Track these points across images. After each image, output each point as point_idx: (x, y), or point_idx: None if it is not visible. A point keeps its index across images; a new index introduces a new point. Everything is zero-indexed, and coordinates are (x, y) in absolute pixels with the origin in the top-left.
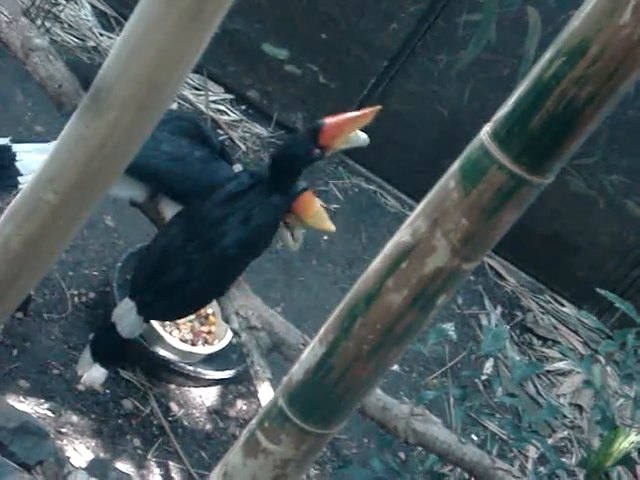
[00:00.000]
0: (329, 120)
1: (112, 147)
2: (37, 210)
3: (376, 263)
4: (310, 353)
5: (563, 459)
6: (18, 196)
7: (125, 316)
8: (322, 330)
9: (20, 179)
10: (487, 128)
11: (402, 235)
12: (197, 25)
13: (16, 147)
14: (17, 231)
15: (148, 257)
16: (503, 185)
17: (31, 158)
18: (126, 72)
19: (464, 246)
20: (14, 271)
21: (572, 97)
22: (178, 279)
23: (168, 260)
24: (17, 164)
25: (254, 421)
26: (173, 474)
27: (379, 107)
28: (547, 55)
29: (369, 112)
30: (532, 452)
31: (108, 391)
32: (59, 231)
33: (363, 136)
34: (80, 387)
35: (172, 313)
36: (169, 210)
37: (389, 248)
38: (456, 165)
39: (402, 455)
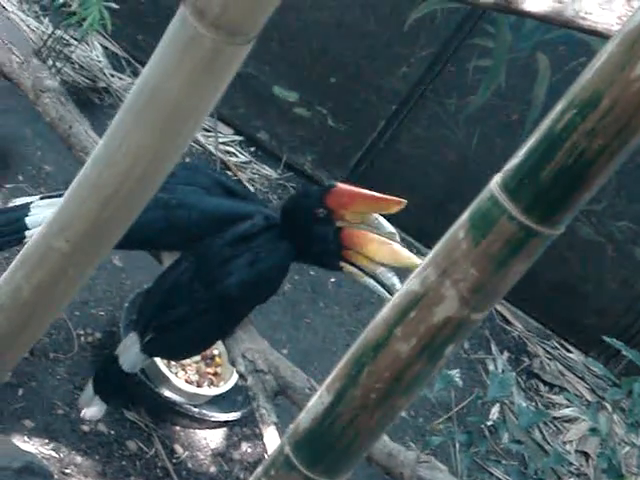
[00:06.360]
0: (341, 184)
1: (124, 196)
2: (48, 258)
3: (384, 311)
4: (317, 401)
5: None
6: (29, 244)
7: (128, 349)
8: (329, 378)
9: (27, 233)
10: (497, 178)
11: (411, 284)
12: (211, 76)
13: (35, 203)
14: (27, 279)
15: (155, 292)
16: (513, 236)
17: (42, 213)
18: (140, 122)
19: (473, 296)
20: (24, 318)
21: (583, 150)
22: (182, 316)
23: (174, 296)
24: (27, 219)
25: (260, 469)
26: None
27: (404, 201)
28: (558, 107)
29: (389, 200)
30: None
31: (112, 432)
32: (69, 279)
33: (387, 226)
34: (85, 428)
35: (174, 351)
36: (169, 257)
37: (398, 297)
38: (466, 215)
39: None
